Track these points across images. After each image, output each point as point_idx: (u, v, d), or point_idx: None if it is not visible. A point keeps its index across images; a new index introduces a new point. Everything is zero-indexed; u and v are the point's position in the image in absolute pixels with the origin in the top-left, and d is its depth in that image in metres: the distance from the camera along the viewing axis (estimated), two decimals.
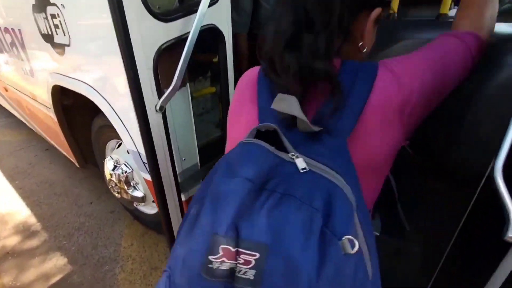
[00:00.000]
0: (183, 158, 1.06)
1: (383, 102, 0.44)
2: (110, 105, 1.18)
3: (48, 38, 1.32)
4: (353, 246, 0.33)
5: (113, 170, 1.68)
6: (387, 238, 1.14)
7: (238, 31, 1.35)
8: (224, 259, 0.32)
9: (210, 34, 0.92)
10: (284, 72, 0.45)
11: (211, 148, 1.23)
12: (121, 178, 1.68)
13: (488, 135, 0.65)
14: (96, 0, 0.79)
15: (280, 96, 0.42)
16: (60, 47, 1.27)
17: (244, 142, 0.40)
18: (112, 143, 1.79)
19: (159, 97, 0.82)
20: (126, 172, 1.64)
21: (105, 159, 1.71)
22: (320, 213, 0.33)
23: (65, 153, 2.11)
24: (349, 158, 0.42)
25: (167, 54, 0.81)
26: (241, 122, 0.55)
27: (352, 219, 0.35)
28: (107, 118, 1.54)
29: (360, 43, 0.50)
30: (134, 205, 1.77)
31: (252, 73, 0.56)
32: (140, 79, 0.74)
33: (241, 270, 0.32)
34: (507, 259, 0.43)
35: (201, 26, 0.81)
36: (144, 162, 1.22)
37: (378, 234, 1.16)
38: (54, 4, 1.13)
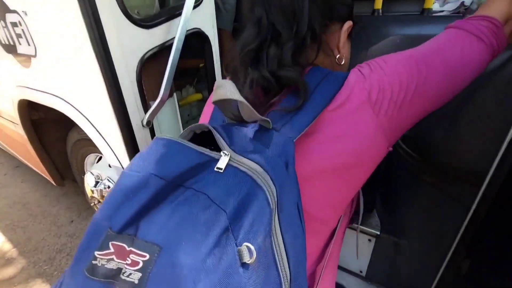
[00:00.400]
0: None
1: (352, 104, 0.42)
2: (87, 119, 1.08)
3: (9, 48, 1.19)
4: (251, 255, 0.30)
5: (95, 186, 1.57)
6: (387, 236, 1.14)
7: (223, 26, 1.29)
8: (114, 257, 0.30)
9: (195, 39, 0.85)
10: (248, 87, 0.43)
11: None
12: (104, 194, 1.57)
13: (491, 132, 0.65)
14: (65, 6, 0.69)
15: (216, 84, 0.39)
16: (24, 58, 1.14)
17: (160, 138, 0.38)
18: (91, 157, 1.67)
19: (145, 111, 0.75)
20: (109, 187, 1.54)
21: (85, 175, 1.59)
22: (227, 215, 0.30)
23: (38, 171, 1.95)
24: (291, 160, 0.38)
25: (150, 63, 0.74)
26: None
27: (263, 226, 0.32)
28: (84, 132, 1.43)
29: (338, 56, 0.50)
30: None
31: None
32: (123, 94, 0.67)
33: (125, 272, 0.29)
34: None
35: (186, 31, 0.75)
36: None
37: (378, 233, 1.15)
38: (14, 11, 1.01)
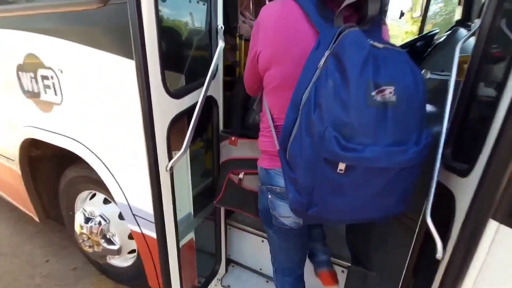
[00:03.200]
0: (179, 209, 1.18)
1: None
2: (101, 161, 1.26)
3: (32, 94, 1.37)
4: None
5: (85, 222, 1.65)
6: (357, 268, 1.38)
7: None
8: (379, 95, 0.57)
9: (208, 103, 1.12)
10: None
11: (201, 198, 1.37)
12: (93, 230, 1.65)
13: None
14: (127, 82, 0.93)
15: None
16: (46, 104, 1.33)
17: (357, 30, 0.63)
18: (83, 195, 1.77)
19: (169, 159, 0.98)
20: (102, 224, 1.63)
21: (77, 211, 1.68)
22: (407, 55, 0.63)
23: (21, 207, 1.97)
24: None
25: (175, 122, 0.99)
26: (300, 35, 0.74)
27: None
28: (82, 170, 1.58)
29: None
30: (107, 258, 1.73)
31: (285, 8, 0.77)
32: (157, 147, 0.90)
33: (389, 97, 0.58)
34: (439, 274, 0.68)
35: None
36: (134, 215, 1.29)
37: (349, 264, 1.39)
38: (49, 68, 1.23)
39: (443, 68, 1.73)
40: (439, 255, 0.63)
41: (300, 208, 0.68)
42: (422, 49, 2.26)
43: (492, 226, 0.59)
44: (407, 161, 0.60)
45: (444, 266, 0.64)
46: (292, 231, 0.95)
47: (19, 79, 1.38)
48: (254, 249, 1.63)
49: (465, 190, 0.63)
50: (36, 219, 1.91)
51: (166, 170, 0.96)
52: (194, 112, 0.97)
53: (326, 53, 0.64)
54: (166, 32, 1.04)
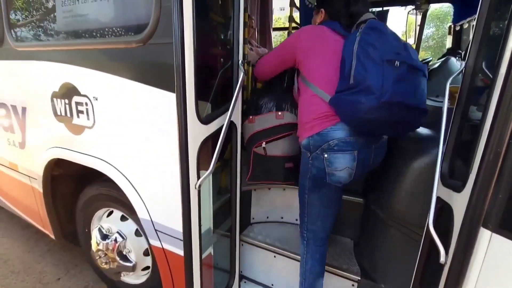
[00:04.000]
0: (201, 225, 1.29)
1: None
2: (128, 179, 1.38)
3: (63, 119, 1.51)
4: None
5: (102, 239, 1.73)
6: (367, 281, 1.47)
7: None
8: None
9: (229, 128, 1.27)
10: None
11: (218, 215, 1.49)
12: (109, 247, 1.73)
13: (420, 202, 1.09)
14: (146, 104, 1.09)
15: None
16: (78, 128, 1.47)
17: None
18: (100, 212, 1.86)
19: (197, 178, 1.11)
20: (118, 241, 1.71)
21: (95, 228, 1.77)
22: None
23: (37, 225, 2.06)
24: None
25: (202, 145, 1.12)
26: (330, 42, 1.24)
27: None
28: (101, 188, 1.69)
29: None
30: (122, 275, 1.80)
31: (318, 26, 1.31)
32: (189, 167, 1.03)
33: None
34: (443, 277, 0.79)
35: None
36: (156, 230, 1.39)
37: (359, 278, 1.48)
38: (84, 96, 1.38)
39: (438, 93, 1.91)
40: (442, 259, 0.75)
41: (374, 101, 1.00)
42: None
43: (486, 234, 0.72)
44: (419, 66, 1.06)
45: (446, 269, 0.76)
46: (337, 194, 1.28)
47: (52, 104, 1.52)
48: (266, 264, 1.72)
49: (460, 203, 0.76)
50: (52, 236, 1.99)
51: (195, 188, 1.09)
52: (220, 135, 1.11)
53: (360, 31, 1.11)
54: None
